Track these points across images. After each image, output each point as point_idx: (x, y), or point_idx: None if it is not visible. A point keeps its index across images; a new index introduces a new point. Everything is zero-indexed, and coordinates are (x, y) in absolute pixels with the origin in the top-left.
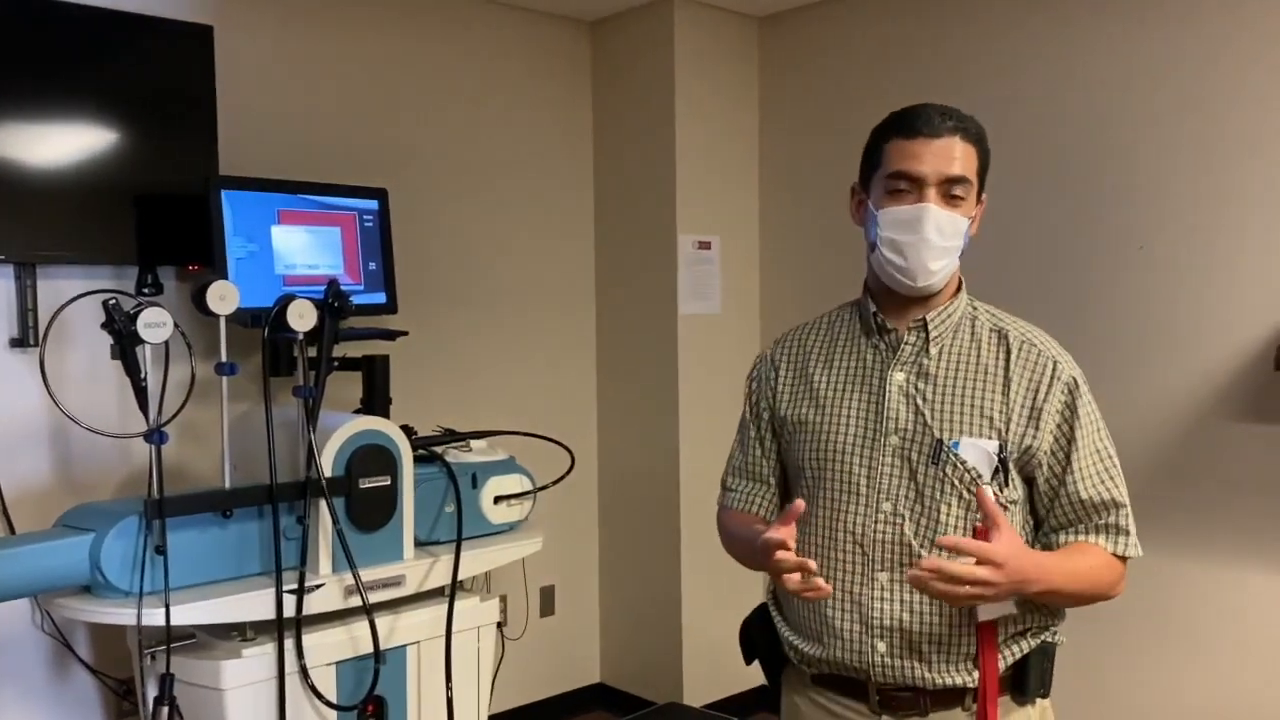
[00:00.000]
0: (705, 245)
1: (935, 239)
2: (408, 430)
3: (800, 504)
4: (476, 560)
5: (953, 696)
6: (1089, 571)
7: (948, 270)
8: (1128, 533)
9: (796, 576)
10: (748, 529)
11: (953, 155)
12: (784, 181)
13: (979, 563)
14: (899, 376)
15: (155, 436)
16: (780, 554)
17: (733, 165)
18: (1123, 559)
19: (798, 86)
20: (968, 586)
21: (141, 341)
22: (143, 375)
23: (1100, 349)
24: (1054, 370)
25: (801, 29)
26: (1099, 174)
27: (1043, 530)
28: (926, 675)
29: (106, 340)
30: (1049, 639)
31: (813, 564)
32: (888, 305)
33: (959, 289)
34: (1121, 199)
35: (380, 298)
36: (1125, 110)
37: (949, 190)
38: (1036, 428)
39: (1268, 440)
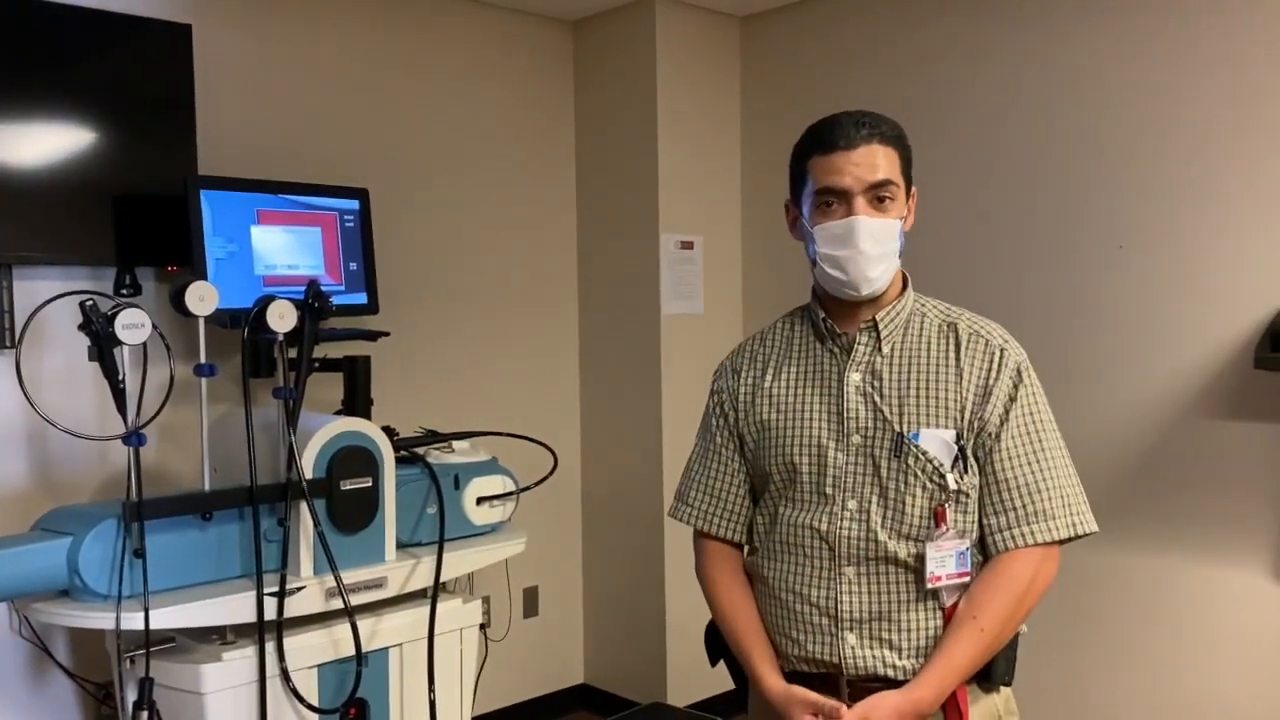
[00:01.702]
0: (688, 245)
1: (870, 249)
2: (389, 431)
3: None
4: (459, 562)
5: None
6: (992, 627)
7: (889, 273)
8: (1051, 517)
9: None
10: (747, 627)
11: (874, 162)
12: (766, 181)
13: None
14: (855, 377)
15: (133, 439)
16: None
17: (715, 165)
18: (1058, 542)
19: (779, 86)
20: None
21: (119, 343)
22: (121, 377)
23: (1080, 348)
24: (1001, 356)
25: (783, 29)
26: (1078, 173)
27: (983, 517)
28: (898, 664)
29: (84, 341)
30: None
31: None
32: (836, 310)
33: (905, 287)
34: (1101, 198)
35: (361, 298)
36: (1104, 110)
37: (876, 195)
38: (986, 411)
39: (1247, 438)
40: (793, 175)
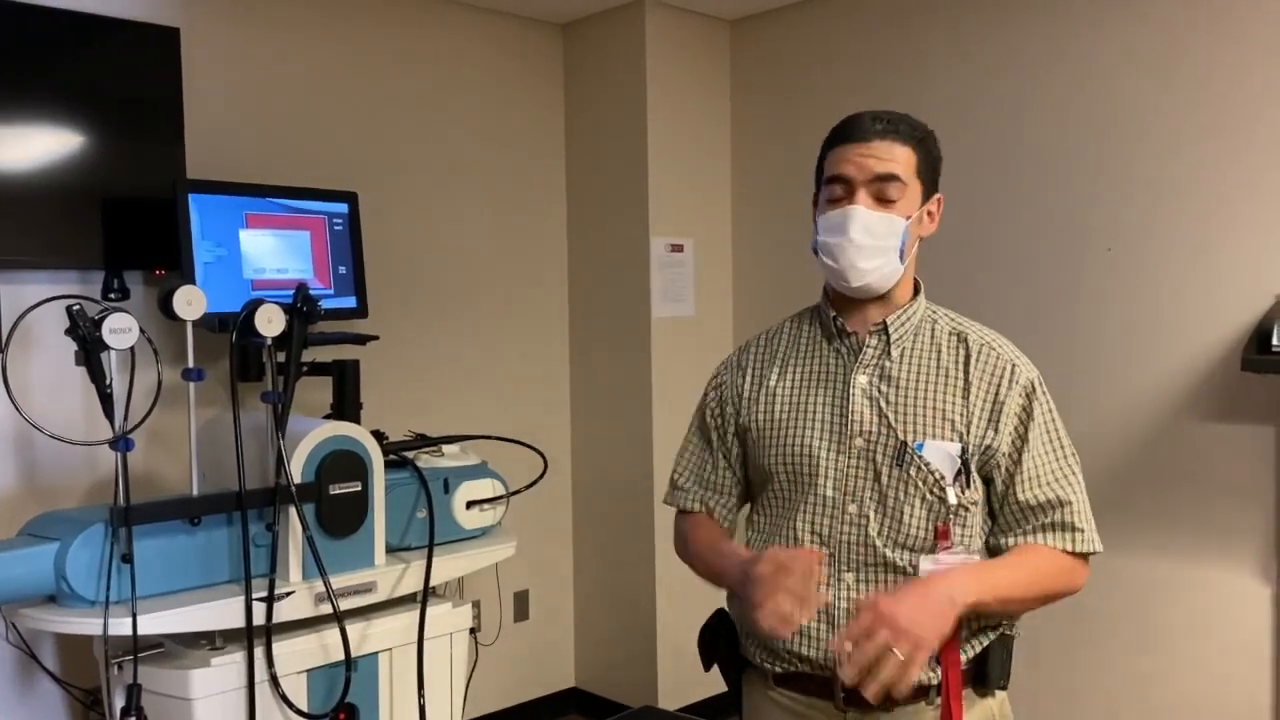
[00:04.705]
0: (678, 248)
1: (862, 239)
2: (378, 435)
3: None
4: (449, 566)
5: (917, 692)
6: (1033, 572)
7: (885, 269)
8: (1078, 529)
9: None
10: (718, 544)
11: (880, 156)
12: (756, 184)
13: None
14: (862, 379)
15: (121, 443)
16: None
17: (705, 168)
18: (1080, 555)
19: (769, 89)
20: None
21: (107, 347)
22: (108, 381)
23: (1068, 350)
24: (1012, 373)
25: (772, 32)
26: (1067, 176)
27: (993, 531)
28: None
29: (71, 346)
30: (1007, 631)
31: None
32: (846, 310)
33: (917, 292)
34: (1089, 201)
35: (350, 302)
36: (1094, 113)
37: (880, 191)
38: (996, 429)
39: (1234, 440)
40: (816, 169)
